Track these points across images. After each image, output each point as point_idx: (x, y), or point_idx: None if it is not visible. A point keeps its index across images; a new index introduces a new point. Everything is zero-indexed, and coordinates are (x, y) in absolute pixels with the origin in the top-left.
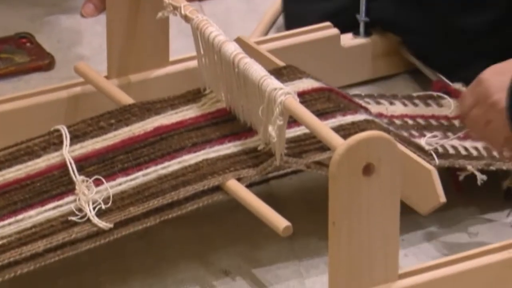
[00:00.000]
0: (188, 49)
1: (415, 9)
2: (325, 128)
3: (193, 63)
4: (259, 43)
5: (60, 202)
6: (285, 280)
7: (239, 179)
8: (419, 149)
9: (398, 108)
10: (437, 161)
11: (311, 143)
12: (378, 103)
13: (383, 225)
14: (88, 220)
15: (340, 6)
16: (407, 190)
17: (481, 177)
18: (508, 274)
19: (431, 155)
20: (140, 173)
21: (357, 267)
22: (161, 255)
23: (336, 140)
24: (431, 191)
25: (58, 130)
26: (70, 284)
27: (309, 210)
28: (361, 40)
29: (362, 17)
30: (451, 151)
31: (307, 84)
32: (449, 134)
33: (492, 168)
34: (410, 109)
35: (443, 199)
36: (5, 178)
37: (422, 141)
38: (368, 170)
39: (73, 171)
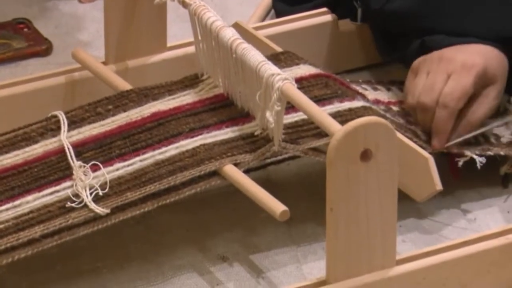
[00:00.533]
0: (186, 35)
1: None
2: (323, 114)
3: (191, 49)
4: (256, 28)
5: (58, 187)
6: (282, 265)
7: (236, 164)
8: (416, 136)
9: (395, 94)
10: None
11: (308, 129)
12: (376, 89)
13: (381, 211)
14: (85, 205)
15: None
16: (403, 178)
17: (480, 160)
18: (505, 259)
19: (428, 142)
20: (137, 158)
21: (355, 253)
22: (158, 240)
23: (333, 126)
24: (427, 178)
25: (55, 116)
26: (67, 270)
27: (307, 196)
28: (358, 26)
29: (359, 4)
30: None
31: (304, 70)
32: None
33: (490, 153)
34: None
35: (439, 186)
36: (2, 164)
37: (418, 129)
38: (365, 156)
39: (71, 156)
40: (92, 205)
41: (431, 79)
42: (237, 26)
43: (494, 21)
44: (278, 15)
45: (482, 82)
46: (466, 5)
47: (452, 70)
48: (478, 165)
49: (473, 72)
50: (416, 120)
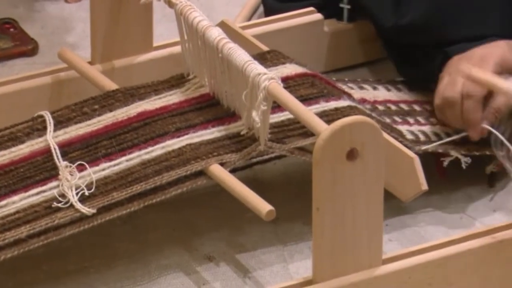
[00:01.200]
0: (172, 34)
1: None
2: (309, 113)
3: (177, 49)
4: (243, 27)
5: (44, 187)
6: (269, 265)
7: (222, 164)
8: (401, 136)
9: (381, 93)
10: (421, 147)
11: (294, 129)
12: (362, 88)
13: (367, 210)
14: (71, 205)
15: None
16: (389, 178)
17: (465, 160)
18: (491, 258)
19: (414, 142)
20: (123, 158)
21: (341, 252)
22: (145, 240)
23: (320, 125)
24: (413, 178)
25: (41, 116)
26: (54, 270)
27: (293, 195)
28: (344, 25)
29: (345, 3)
30: (434, 138)
31: (290, 69)
32: (432, 119)
33: (475, 152)
34: (393, 94)
35: (425, 186)
36: None
37: (404, 129)
38: (352, 155)
39: (57, 156)
40: (78, 205)
41: (453, 76)
42: (223, 25)
43: (509, 20)
44: (268, 12)
45: (503, 70)
46: (481, 8)
47: (472, 64)
48: (464, 165)
49: (492, 61)
50: (445, 122)
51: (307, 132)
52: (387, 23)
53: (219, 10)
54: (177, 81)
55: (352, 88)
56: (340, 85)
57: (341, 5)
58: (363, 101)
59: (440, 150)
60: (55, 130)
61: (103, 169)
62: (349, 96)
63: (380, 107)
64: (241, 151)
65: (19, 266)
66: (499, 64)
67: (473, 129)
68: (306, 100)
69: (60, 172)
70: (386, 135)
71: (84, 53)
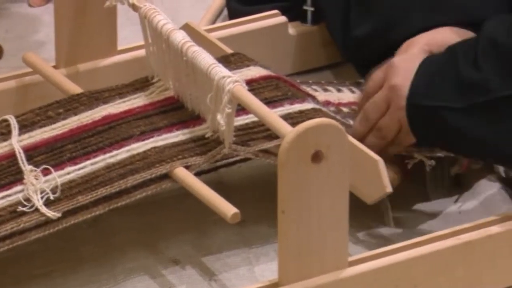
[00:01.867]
0: (136, 38)
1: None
2: (273, 116)
3: (141, 52)
4: (207, 30)
5: (9, 192)
6: (234, 268)
7: (187, 167)
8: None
9: (345, 95)
10: None
11: (259, 131)
12: (326, 90)
13: (333, 212)
14: (37, 209)
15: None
16: (353, 180)
17: (429, 163)
18: (457, 260)
19: None
20: (88, 162)
21: (307, 255)
22: (110, 244)
23: (284, 127)
24: (377, 181)
25: (6, 120)
26: (20, 274)
27: (259, 198)
28: (309, 28)
29: (308, 5)
30: None
31: (255, 71)
32: None
33: (440, 154)
34: (357, 96)
35: (389, 189)
36: None
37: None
38: (317, 157)
39: (22, 160)
40: (44, 209)
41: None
42: (187, 28)
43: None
44: (232, 15)
45: (431, 50)
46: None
47: (399, 52)
48: (428, 167)
49: (416, 46)
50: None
51: (272, 135)
52: (350, 42)
53: (184, 14)
54: (142, 85)
55: (316, 90)
56: (304, 87)
57: (305, 7)
58: (327, 103)
59: (404, 153)
60: (19, 134)
61: (68, 173)
62: (314, 99)
63: (345, 109)
64: (206, 154)
65: None
66: (424, 47)
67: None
68: (270, 102)
69: (25, 176)
70: (350, 137)
71: (49, 57)
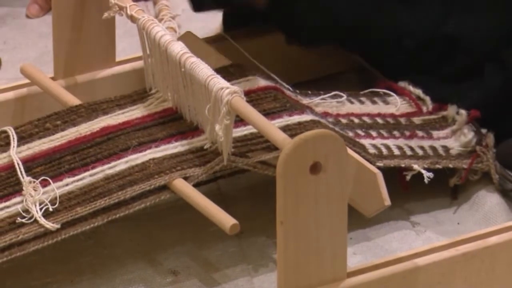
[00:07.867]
0: (134, 49)
1: None
2: (272, 127)
3: (140, 63)
4: (208, 40)
5: (7, 203)
6: (233, 279)
7: (186, 178)
8: (364, 150)
9: (344, 106)
10: (382, 162)
11: (258, 143)
12: (324, 101)
13: (331, 223)
14: (35, 221)
15: None
16: (352, 193)
17: (427, 175)
18: (455, 271)
19: (376, 156)
20: (87, 173)
21: (306, 266)
22: (109, 255)
23: (283, 139)
24: (376, 194)
25: (5, 132)
26: (18, 285)
27: (257, 209)
28: None
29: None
30: (396, 151)
31: (253, 82)
32: (395, 132)
33: (439, 166)
34: (356, 107)
35: (388, 202)
36: None
37: (367, 142)
38: (315, 168)
39: (21, 172)
40: (42, 221)
41: None
42: (186, 37)
43: None
44: (227, 30)
45: None
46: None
47: None
48: (426, 180)
49: None
50: None
51: (270, 146)
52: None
53: (183, 27)
54: (140, 96)
55: (315, 101)
56: (302, 98)
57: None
58: (325, 114)
59: (402, 165)
60: (18, 146)
61: (67, 184)
62: (312, 110)
63: (343, 120)
64: (205, 165)
65: None
66: None
67: None
68: (269, 114)
69: (23, 188)
70: (349, 150)
71: (47, 69)
